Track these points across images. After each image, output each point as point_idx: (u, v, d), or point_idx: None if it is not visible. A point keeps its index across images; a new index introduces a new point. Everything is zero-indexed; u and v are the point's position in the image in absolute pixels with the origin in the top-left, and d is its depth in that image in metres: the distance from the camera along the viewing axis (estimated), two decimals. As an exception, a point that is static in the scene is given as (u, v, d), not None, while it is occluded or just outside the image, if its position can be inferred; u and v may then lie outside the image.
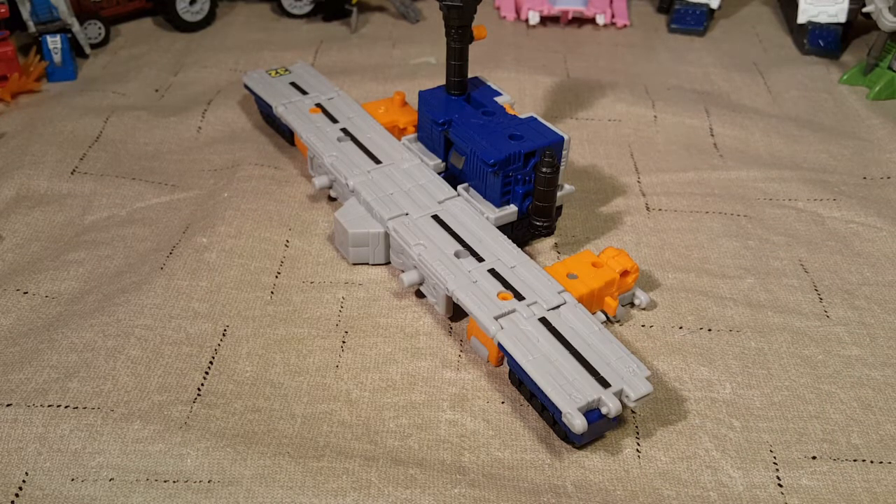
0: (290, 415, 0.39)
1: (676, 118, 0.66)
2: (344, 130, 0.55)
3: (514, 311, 0.41)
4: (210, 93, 0.68)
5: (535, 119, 0.50)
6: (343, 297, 0.47)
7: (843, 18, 0.76)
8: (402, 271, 0.46)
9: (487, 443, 0.38)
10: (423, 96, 0.52)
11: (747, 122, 0.65)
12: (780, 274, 0.49)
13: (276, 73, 0.62)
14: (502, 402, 0.40)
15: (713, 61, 0.76)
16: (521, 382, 0.40)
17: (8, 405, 0.38)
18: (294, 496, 0.35)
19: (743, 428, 0.39)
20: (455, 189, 0.49)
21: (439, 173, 0.52)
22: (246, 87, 0.61)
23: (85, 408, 0.39)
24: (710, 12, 0.82)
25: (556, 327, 0.40)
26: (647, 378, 0.37)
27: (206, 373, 0.41)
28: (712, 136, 0.64)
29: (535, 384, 0.37)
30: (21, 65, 0.67)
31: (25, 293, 0.46)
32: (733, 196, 0.56)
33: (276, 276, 0.48)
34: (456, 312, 0.45)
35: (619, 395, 0.37)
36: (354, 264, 0.49)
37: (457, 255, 0.44)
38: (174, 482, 0.36)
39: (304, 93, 0.59)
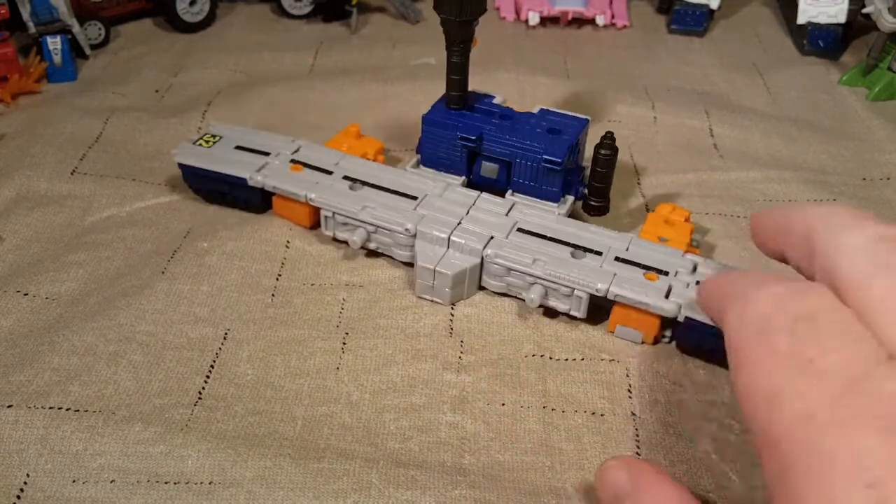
0: (291, 417, 0.39)
1: (676, 119, 0.66)
2: (350, 178, 0.50)
3: (670, 286, 0.42)
4: (210, 94, 0.68)
5: (549, 110, 0.51)
6: (344, 299, 0.47)
7: (842, 19, 0.76)
8: (506, 294, 0.46)
9: (488, 445, 0.38)
10: (429, 119, 0.51)
11: (747, 123, 0.65)
12: (779, 275, 0.49)
13: (206, 141, 0.53)
14: (503, 405, 0.40)
15: (713, 62, 0.76)
16: (699, 348, 0.42)
17: (9, 406, 0.38)
18: (295, 497, 0.35)
19: (742, 430, 0.39)
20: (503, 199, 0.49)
21: None
22: (182, 166, 0.52)
23: (86, 410, 0.39)
24: (710, 13, 0.82)
25: None
26: None
27: (208, 376, 0.41)
28: (712, 136, 0.64)
29: None
30: (21, 66, 0.67)
31: (26, 294, 0.46)
32: (733, 197, 0.57)
33: (277, 279, 0.48)
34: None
35: None
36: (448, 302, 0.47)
37: (573, 255, 0.45)
38: (175, 483, 0.36)
39: (262, 153, 0.52)
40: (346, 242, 0.49)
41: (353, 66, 0.73)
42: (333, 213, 0.48)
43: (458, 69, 0.49)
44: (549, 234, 0.46)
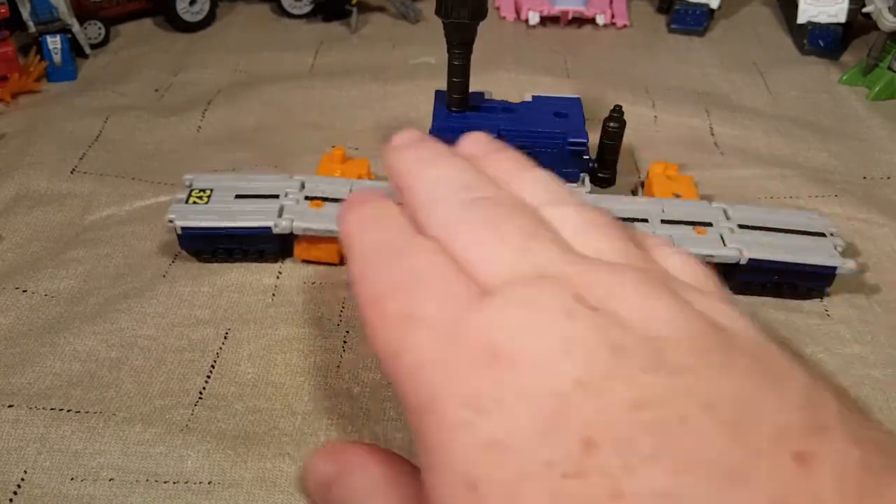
0: (291, 412, 0.39)
1: (677, 118, 0.66)
2: None
3: (721, 234, 0.46)
4: (210, 93, 0.68)
5: (541, 97, 0.53)
6: (345, 297, 0.46)
7: (843, 18, 0.76)
8: None
9: (489, 443, 0.38)
10: (440, 127, 0.49)
11: (748, 122, 0.65)
12: (780, 274, 0.49)
13: (199, 197, 0.48)
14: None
15: (713, 61, 0.76)
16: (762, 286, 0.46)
17: (9, 406, 0.38)
18: (294, 499, 0.35)
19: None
20: None
21: None
22: (187, 230, 0.46)
23: (87, 412, 0.39)
24: (710, 12, 0.82)
25: (753, 225, 0.46)
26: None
27: (208, 376, 0.41)
28: (713, 135, 0.64)
29: (796, 262, 0.44)
30: (21, 65, 0.67)
31: (24, 291, 0.46)
32: (734, 195, 0.56)
33: (278, 277, 0.48)
34: None
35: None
36: None
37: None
38: (174, 483, 0.36)
39: (269, 197, 0.48)
40: None
41: (353, 66, 0.73)
42: None
43: (460, 71, 0.49)
44: None
